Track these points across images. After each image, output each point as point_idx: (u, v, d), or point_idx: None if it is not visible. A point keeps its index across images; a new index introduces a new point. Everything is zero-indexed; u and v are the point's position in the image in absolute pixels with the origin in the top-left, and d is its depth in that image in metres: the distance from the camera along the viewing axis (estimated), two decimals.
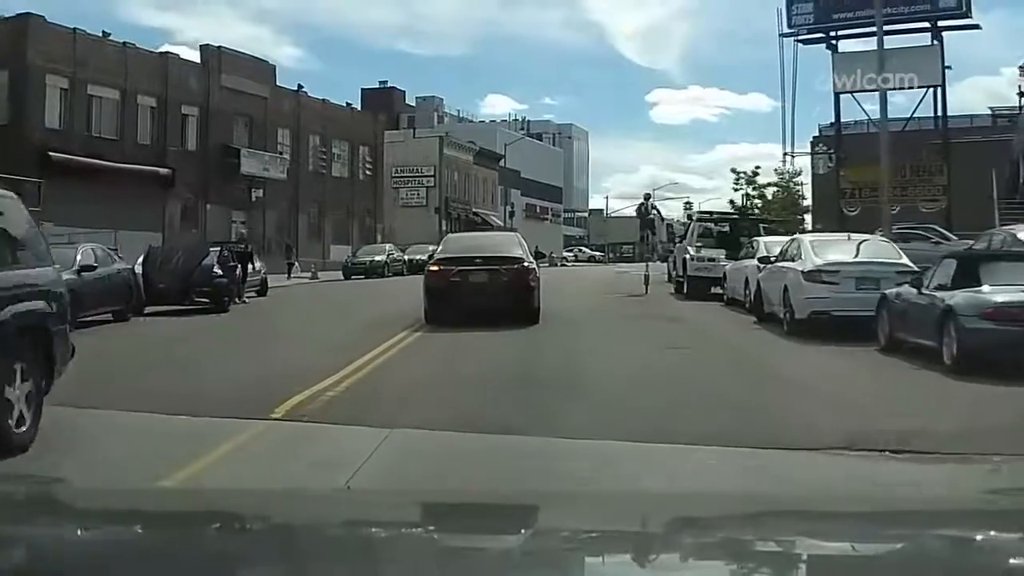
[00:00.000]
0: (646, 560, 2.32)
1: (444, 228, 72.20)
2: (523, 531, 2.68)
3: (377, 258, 47.74)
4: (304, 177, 57.86)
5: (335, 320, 21.86)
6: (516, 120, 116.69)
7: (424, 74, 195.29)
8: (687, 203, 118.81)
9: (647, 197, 36.48)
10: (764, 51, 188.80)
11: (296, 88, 58.28)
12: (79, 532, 2.58)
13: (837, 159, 43.46)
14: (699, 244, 25.91)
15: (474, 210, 79.70)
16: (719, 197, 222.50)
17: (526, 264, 19.33)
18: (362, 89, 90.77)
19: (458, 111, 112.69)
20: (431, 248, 56.80)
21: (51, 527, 2.56)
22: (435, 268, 19.67)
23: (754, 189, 58.78)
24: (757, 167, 59.48)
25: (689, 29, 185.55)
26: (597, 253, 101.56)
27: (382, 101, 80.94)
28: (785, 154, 44.72)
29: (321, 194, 59.21)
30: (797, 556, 2.37)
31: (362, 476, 7.09)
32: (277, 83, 56.32)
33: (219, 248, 25.90)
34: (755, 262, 20.38)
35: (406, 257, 50.88)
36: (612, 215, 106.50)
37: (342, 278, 46.49)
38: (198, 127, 50.61)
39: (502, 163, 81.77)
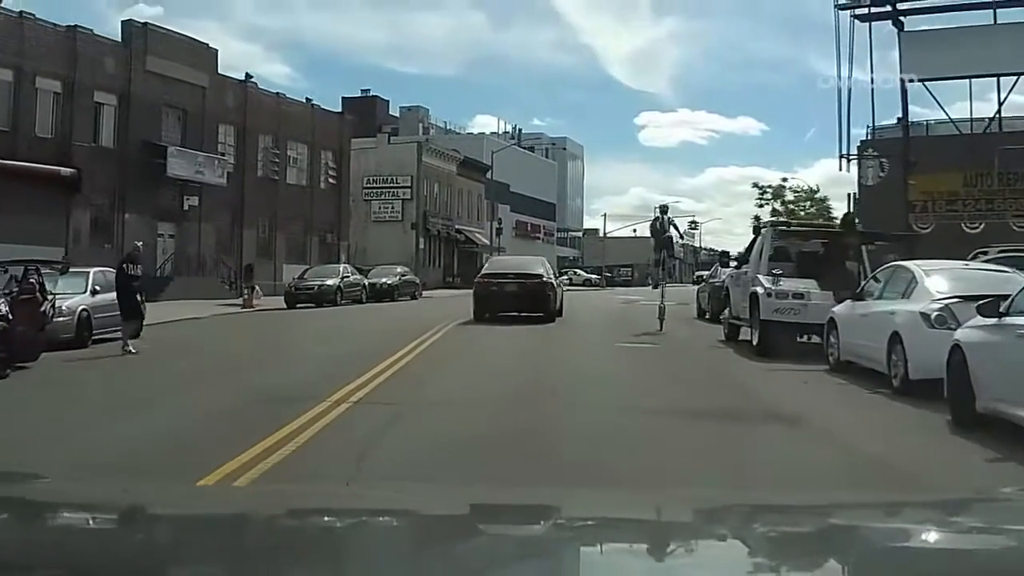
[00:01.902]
0: (644, 556, 2.32)
1: (421, 246, 63.23)
2: (523, 530, 2.65)
3: (328, 282, 38.27)
4: (252, 184, 48.66)
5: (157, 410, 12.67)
6: (506, 133, 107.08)
7: (413, 93, 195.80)
8: (692, 223, 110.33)
9: (663, 210, 27.53)
10: (753, 75, 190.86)
11: (243, 78, 49.11)
12: (70, 528, 2.52)
13: (906, 165, 34.43)
14: (775, 271, 16.73)
15: (457, 226, 70.53)
16: (710, 219, 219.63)
17: (545, 279, 27.11)
18: (343, 98, 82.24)
19: (445, 123, 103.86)
20: (399, 269, 48.54)
21: (42, 523, 2.54)
22: (482, 280, 27.59)
23: (782, 204, 49.90)
24: (784, 178, 50.54)
25: (679, 52, 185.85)
26: (593, 276, 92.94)
27: (364, 111, 72.02)
28: (841, 157, 35.86)
29: (272, 205, 49.97)
30: (796, 555, 2.31)
31: None
32: (219, 71, 47.15)
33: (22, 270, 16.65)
34: (913, 309, 11.65)
35: (366, 281, 41.67)
36: (609, 235, 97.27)
37: (285, 306, 37.25)
38: (116, 119, 41.40)
39: (489, 175, 72.44)
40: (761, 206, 50.34)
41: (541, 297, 26.19)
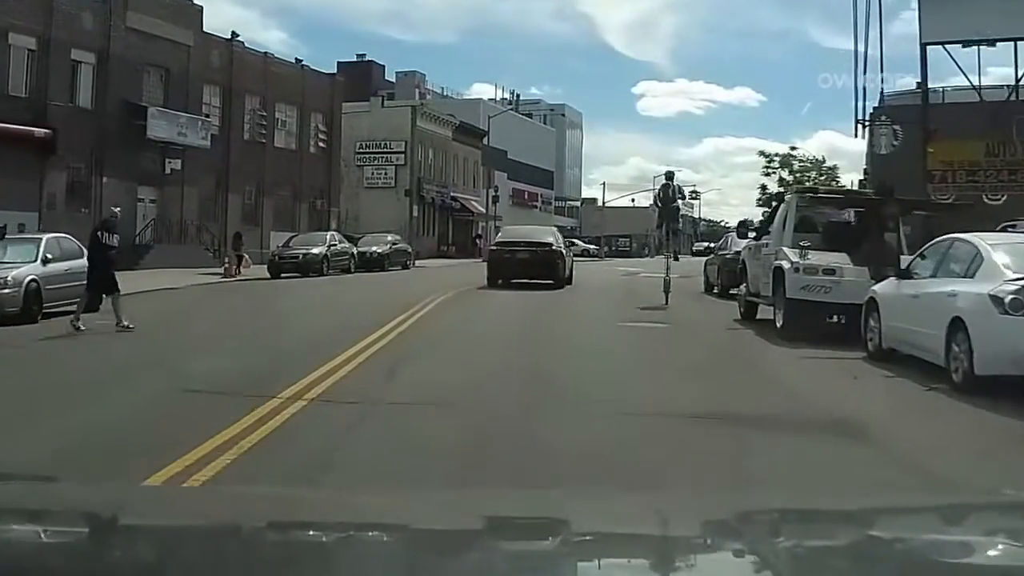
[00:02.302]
0: (643, 558, 2.28)
1: (415, 213, 61.37)
2: (525, 529, 2.58)
3: (313, 251, 36.42)
4: (238, 147, 46.71)
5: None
6: (504, 99, 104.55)
7: (411, 60, 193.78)
8: (693, 193, 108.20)
9: (669, 177, 25.73)
10: (751, 45, 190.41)
11: (229, 37, 47.02)
12: (69, 530, 2.45)
13: (925, 132, 32.58)
14: (803, 243, 14.87)
15: (452, 194, 68.59)
16: (708, 190, 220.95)
17: (555, 248, 28.73)
18: (338, 63, 79.95)
19: (442, 88, 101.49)
20: (390, 238, 46.65)
21: (44, 526, 2.41)
22: (495, 248, 29.80)
23: (790, 174, 48.03)
24: (793, 147, 48.54)
25: (677, 21, 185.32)
26: (591, 246, 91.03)
27: (359, 75, 69.75)
28: (858, 122, 33.98)
29: (260, 169, 48.02)
30: (795, 555, 2.28)
31: None
32: (204, 29, 45.06)
33: None
34: (979, 291, 9.86)
35: (355, 249, 39.82)
36: (608, 205, 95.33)
37: (268, 276, 35.42)
38: (94, 78, 39.41)
39: (486, 141, 70.34)
40: (768, 174, 48.43)
41: (551, 265, 27.81)
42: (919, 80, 33.63)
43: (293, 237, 39.60)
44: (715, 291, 25.72)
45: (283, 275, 35.23)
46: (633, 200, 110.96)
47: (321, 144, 52.98)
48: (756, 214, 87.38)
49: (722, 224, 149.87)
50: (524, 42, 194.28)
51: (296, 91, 50.69)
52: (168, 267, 37.36)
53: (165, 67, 42.56)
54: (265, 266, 36.88)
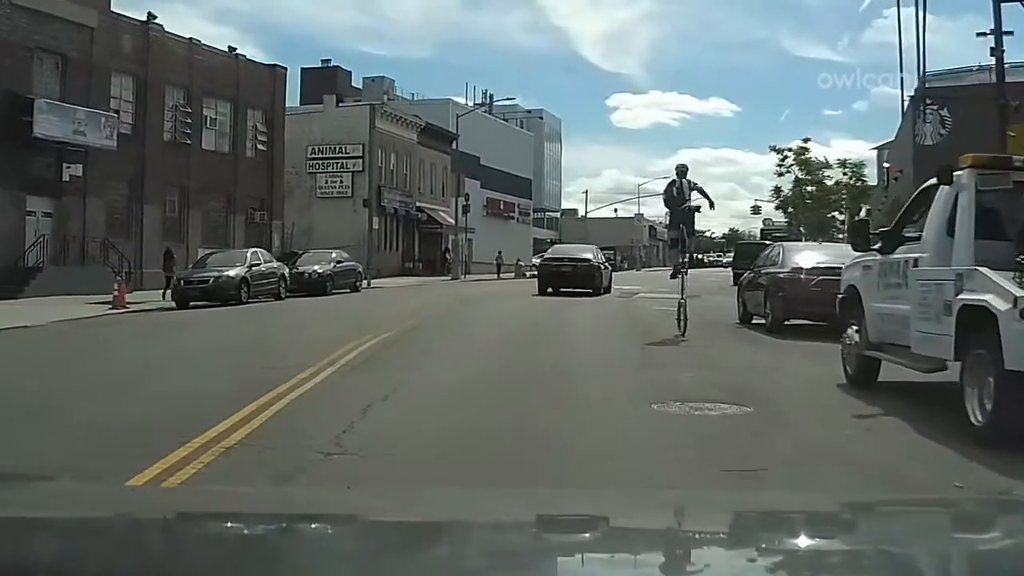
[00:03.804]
0: (642, 557, 2.19)
1: (375, 226, 54.16)
2: (525, 530, 2.48)
3: (229, 273, 28.99)
4: (156, 149, 39.32)
5: None
6: (479, 105, 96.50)
7: (387, 74, 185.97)
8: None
9: (681, 172, 19.27)
10: (725, 56, 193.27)
11: (144, 19, 39.65)
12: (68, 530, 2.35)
13: (1003, 111, 25.64)
14: (1021, 258, 7.74)
15: (418, 204, 61.28)
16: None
17: (593, 263, 34.06)
18: (302, 68, 72.54)
19: (412, 94, 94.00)
20: (335, 254, 38.96)
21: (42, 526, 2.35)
22: (544, 263, 35.62)
23: (807, 172, 41.08)
24: (807, 139, 41.48)
25: (651, 33, 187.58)
26: None
27: (324, 81, 62.25)
28: (911, 97, 27.20)
29: (184, 175, 40.63)
30: (795, 555, 2.21)
31: None
32: (112, 9, 37.72)
33: None
34: None
35: (286, 270, 32.42)
36: (590, 215, 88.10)
37: (174, 305, 28.07)
38: None
39: (456, 145, 62.84)
40: (781, 174, 41.41)
41: (589, 276, 33.17)
42: (991, 47, 26.52)
43: (209, 255, 32.14)
44: (764, 323, 18.63)
45: (192, 304, 27.93)
46: (616, 210, 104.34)
47: (260, 146, 45.59)
48: (753, 221, 79.89)
49: (707, 234, 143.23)
50: (499, 56, 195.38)
51: (229, 84, 43.35)
52: (60, 294, 30.19)
53: (61, 53, 35.19)
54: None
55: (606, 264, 36.64)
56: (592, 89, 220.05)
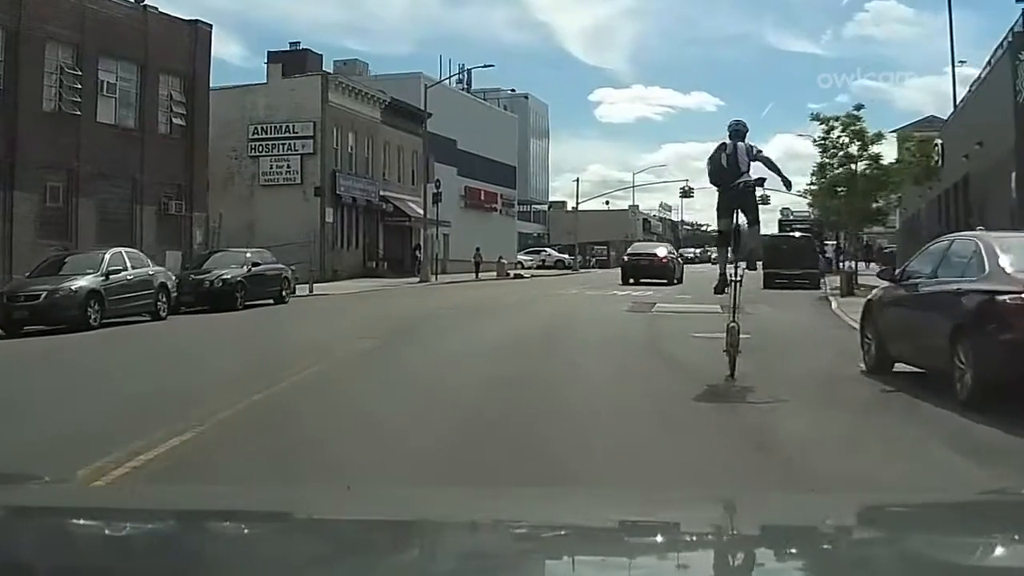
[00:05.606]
0: (641, 556, 2.22)
1: (330, 218, 45.77)
2: (526, 531, 2.48)
3: (71, 285, 20.26)
4: (31, 121, 30.59)
5: None
6: (459, 85, 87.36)
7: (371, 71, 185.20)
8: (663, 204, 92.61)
9: (737, 132, 11.38)
10: (707, 50, 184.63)
11: None
12: (68, 530, 2.40)
13: None
14: None
15: (382, 192, 52.59)
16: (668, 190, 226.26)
17: (668, 258, 41.86)
18: (269, 52, 63.24)
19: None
20: (250, 254, 25.20)
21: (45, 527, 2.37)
22: (627, 258, 42.59)
23: (861, 148, 32.65)
24: (859, 105, 33.02)
25: (634, 28, 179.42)
26: (565, 256, 75.75)
27: (293, 65, 53.30)
28: (961, 63, 20.63)
29: (71, 156, 31.86)
30: (795, 555, 2.22)
31: None
32: None
33: None
34: None
35: (168, 278, 23.64)
36: (581, 208, 79.57)
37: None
38: None
39: (427, 126, 53.74)
40: (826, 148, 32.96)
41: (664, 269, 40.25)
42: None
43: (63, 258, 23.33)
44: (922, 374, 10.25)
45: (25, 327, 19.39)
46: (608, 202, 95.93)
47: (177, 120, 36.78)
48: (767, 212, 71.87)
49: (704, 228, 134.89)
50: (483, 51, 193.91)
51: (135, 42, 34.60)
52: None
53: None
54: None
55: (678, 259, 44.51)
56: (576, 84, 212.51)
